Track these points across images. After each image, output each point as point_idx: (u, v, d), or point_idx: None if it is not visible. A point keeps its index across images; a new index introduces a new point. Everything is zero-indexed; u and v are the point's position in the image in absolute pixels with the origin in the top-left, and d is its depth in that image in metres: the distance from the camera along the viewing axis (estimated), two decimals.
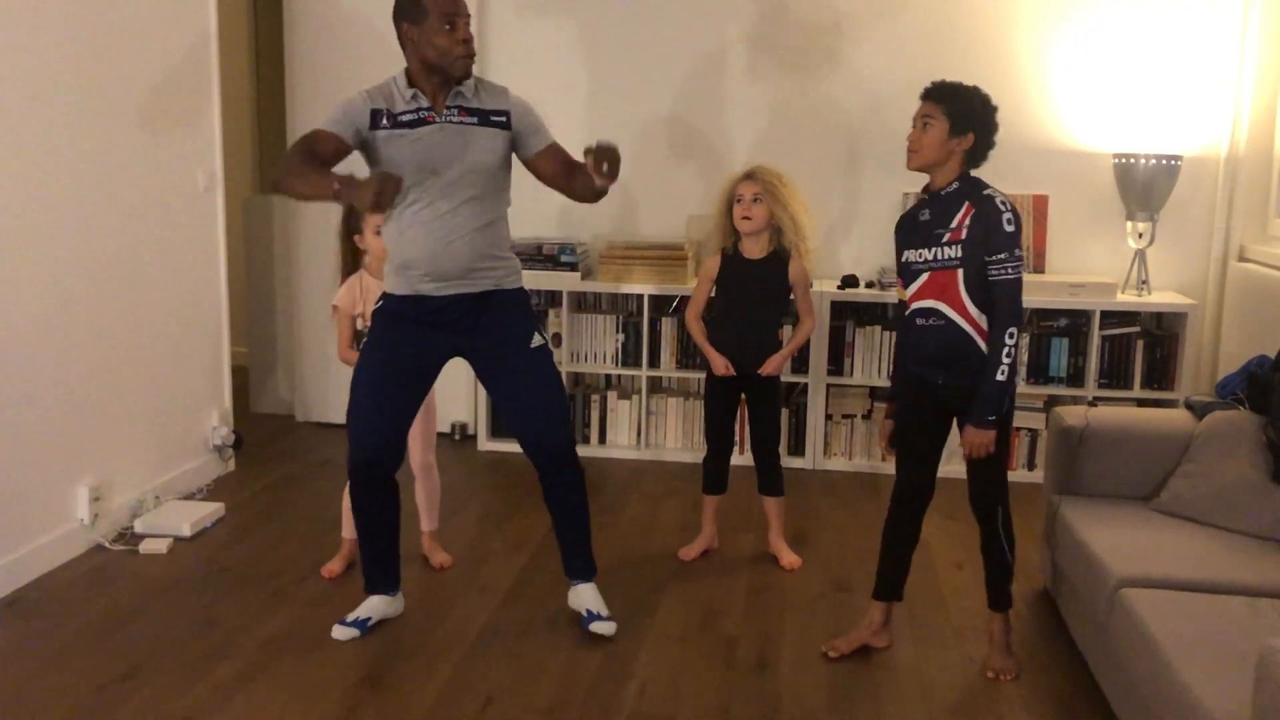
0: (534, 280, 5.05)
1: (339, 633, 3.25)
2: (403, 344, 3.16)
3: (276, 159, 3.20)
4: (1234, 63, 4.81)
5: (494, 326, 3.17)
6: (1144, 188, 4.70)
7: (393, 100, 3.05)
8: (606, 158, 2.92)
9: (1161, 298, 4.80)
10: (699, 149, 5.18)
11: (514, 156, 3.20)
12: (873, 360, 4.94)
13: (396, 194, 2.80)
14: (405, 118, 3.03)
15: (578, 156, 3.13)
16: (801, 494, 4.58)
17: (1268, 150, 4.72)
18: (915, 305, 3.00)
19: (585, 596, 3.33)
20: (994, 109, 2.94)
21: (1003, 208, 2.88)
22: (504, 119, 3.12)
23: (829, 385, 4.95)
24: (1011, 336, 2.86)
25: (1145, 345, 4.77)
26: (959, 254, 2.90)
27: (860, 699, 2.96)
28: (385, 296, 3.19)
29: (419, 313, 3.13)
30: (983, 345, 2.92)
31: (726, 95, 5.14)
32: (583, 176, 3.09)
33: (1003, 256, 2.86)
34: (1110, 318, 4.79)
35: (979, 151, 2.94)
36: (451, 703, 2.89)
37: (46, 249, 3.62)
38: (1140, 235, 4.79)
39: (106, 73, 3.88)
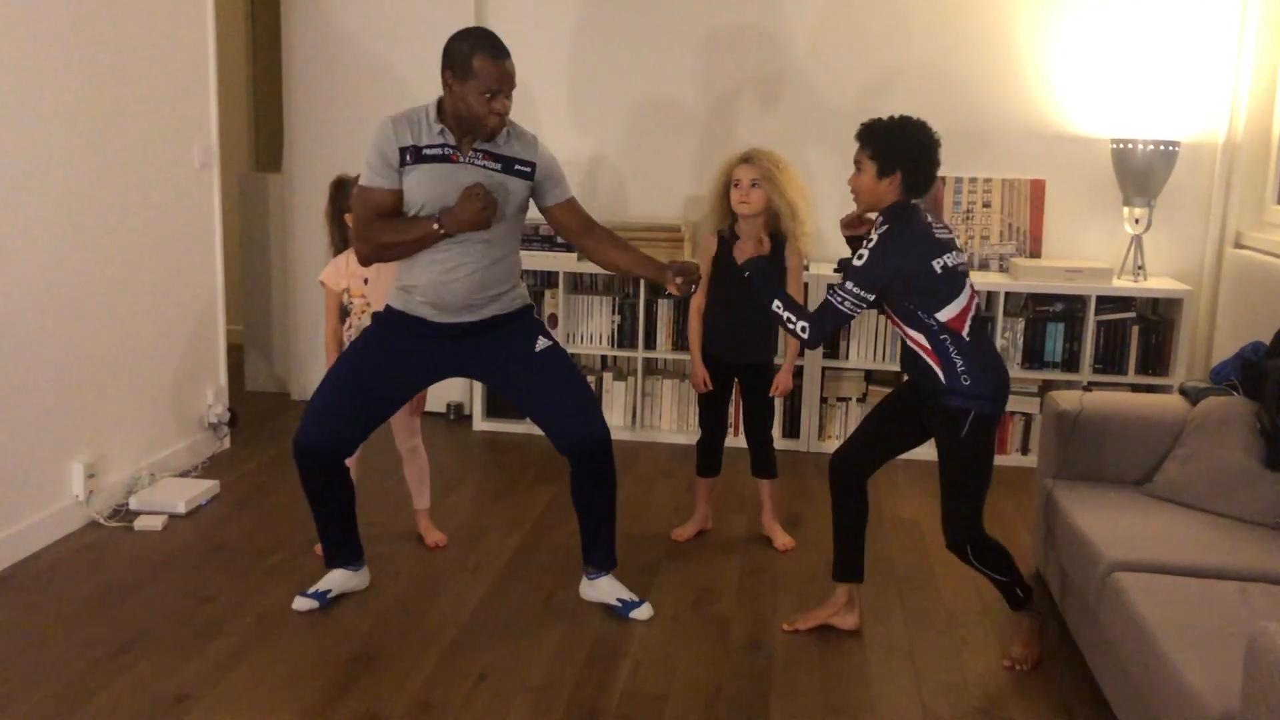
0: (531, 261, 5.04)
1: (299, 603, 3.27)
2: (394, 351, 3.16)
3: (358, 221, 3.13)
4: (1233, 48, 4.80)
5: (494, 343, 3.18)
6: (1141, 173, 4.70)
7: (419, 133, 3.03)
8: (686, 273, 3.11)
9: (1157, 283, 4.81)
10: (696, 130, 5.17)
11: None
12: (868, 344, 4.95)
13: (493, 205, 2.96)
14: (429, 152, 3.02)
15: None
16: (796, 476, 4.59)
17: (1265, 137, 4.72)
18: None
19: (609, 587, 3.33)
20: (922, 144, 2.89)
21: (868, 243, 2.88)
22: (529, 169, 3.14)
23: (824, 368, 4.96)
24: (804, 331, 2.91)
25: (1140, 331, 4.78)
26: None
27: (852, 680, 2.97)
28: (387, 308, 3.20)
29: (418, 328, 3.14)
30: (935, 367, 2.90)
31: (724, 75, 5.13)
32: (604, 244, 3.24)
33: (843, 284, 2.88)
34: (1106, 303, 4.79)
35: (914, 185, 2.92)
36: (445, 680, 2.90)
37: (42, 226, 3.61)
38: (1137, 221, 4.80)
39: (102, 49, 3.86)
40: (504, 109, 3.00)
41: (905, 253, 2.85)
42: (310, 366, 5.48)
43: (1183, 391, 3.56)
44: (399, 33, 5.14)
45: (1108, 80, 4.91)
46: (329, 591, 3.32)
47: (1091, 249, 5.02)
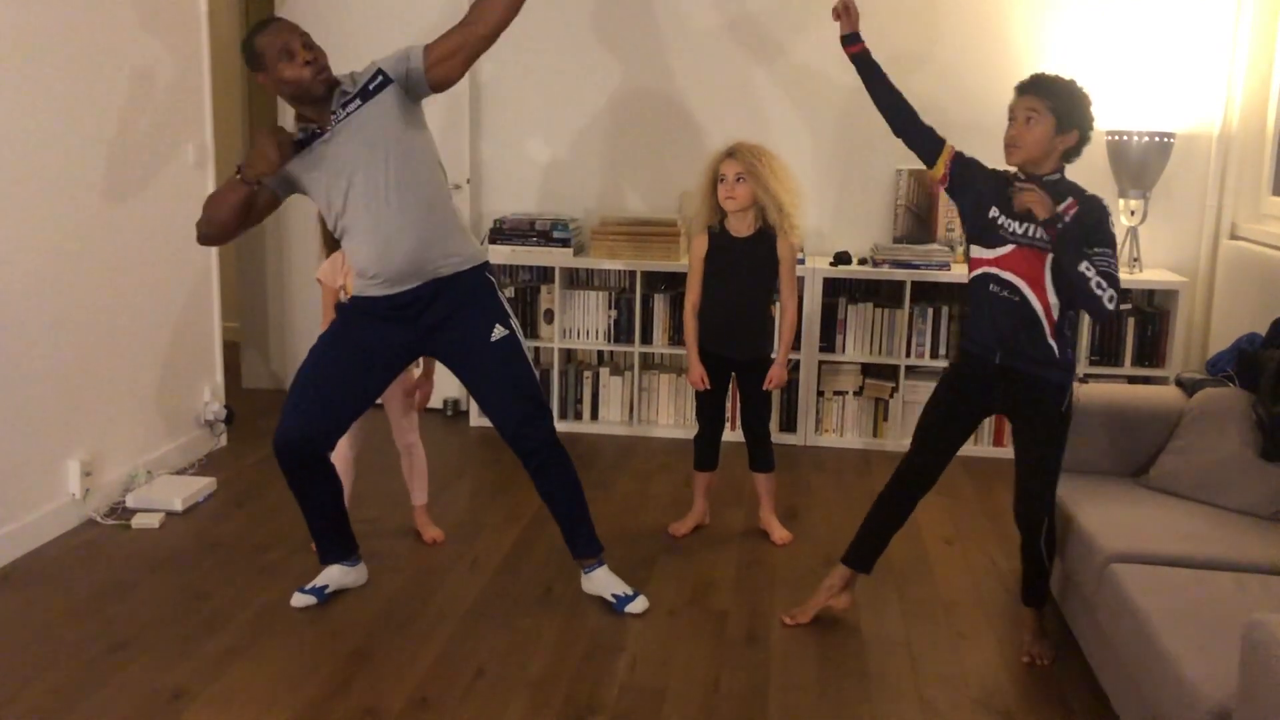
0: (526, 256, 5.05)
1: (297, 600, 3.27)
2: (359, 337, 3.14)
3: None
4: (1227, 40, 4.80)
5: (453, 324, 3.14)
6: (1136, 165, 4.70)
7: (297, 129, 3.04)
8: None
9: (1153, 275, 4.81)
10: (690, 124, 5.16)
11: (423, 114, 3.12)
12: (865, 337, 4.95)
13: (287, 137, 2.90)
14: (312, 135, 3.01)
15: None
16: (793, 470, 4.59)
17: (1260, 128, 4.71)
18: (992, 270, 2.90)
19: (603, 581, 3.32)
20: (1091, 104, 2.86)
21: (1108, 211, 2.84)
22: (379, 78, 3.00)
23: (821, 362, 4.96)
24: (1111, 302, 2.74)
25: (1136, 322, 4.78)
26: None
27: (849, 672, 2.97)
28: (350, 298, 3.20)
29: (378, 308, 3.11)
30: (1049, 337, 2.86)
31: (717, 69, 5.12)
32: (486, 13, 2.98)
33: (1107, 250, 2.78)
34: None
35: (1077, 149, 2.87)
36: (443, 675, 2.90)
37: (37, 225, 3.60)
38: (1132, 213, 4.80)
39: (97, 47, 3.85)
40: (311, 57, 2.93)
41: None
42: None
43: (1179, 383, 3.57)
44: (392, 30, 5.12)
45: (1102, 72, 4.90)
46: (326, 587, 3.32)
47: None
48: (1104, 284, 2.74)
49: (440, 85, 3.03)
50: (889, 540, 3.21)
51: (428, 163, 3.09)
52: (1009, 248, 2.88)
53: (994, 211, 2.92)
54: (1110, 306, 2.76)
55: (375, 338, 3.14)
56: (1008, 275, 2.88)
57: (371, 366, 3.17)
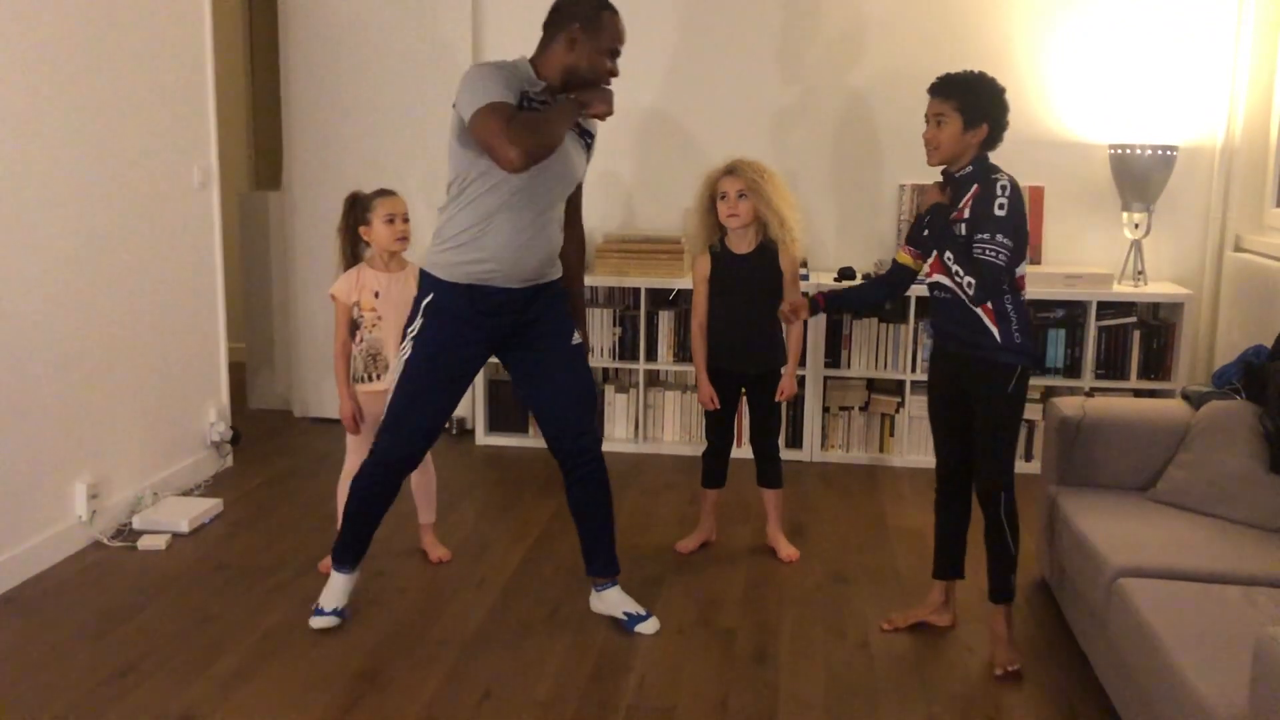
0: None
1: (320, 622, 3.26)
2: (454, 343, 3.09)
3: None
4: (1229, 52, 4.81)
5: (539, 321, 3.16)
6: (1140, 178, 4.70)
7: (523, 81, 2.97)
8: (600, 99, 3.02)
9: (1158, 288, 4.81)
10: (692, 141, 5.18)
11: None
12: (870, 352, 4.95)
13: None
14: (537, 104, 2.98)
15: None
16: (799, 486, 4.59)
17: (1263, 140, 4.72)
18: (932, 279, 3.07)
19: (615, 600, 3.32)
20: (1002, 92, 2.96)
21: (999, 192, 2.88)
22: (591, 140, 3.17)
23: (826, 377, 4.96)
24: (970, 288, 2.90)
25: (1142, 336, 4.78)
26: (961, 233, 2.93)
27: (858, 690, 2.96)
28: (436, 287, 3.05)
29: (473, 304, 3.05)
30: (988, 322, 2.95)
31: (719, 86, 5.14)
32: (569, 243, 3.25)
33: (985, 236, 2.87)
34: (1107, 308, 4.79)
35: (994, 137, 2.97)
36: (450, 696, 2.90)
37: (43, 246, 3.61)
38: (1136, 226, 4.80)
39: (102, 69, 3.87)
40: (617, 73, 3.03)
41: (1022, 201, 2.92)
42: (312, 384, 5.49)
43: (1185, 396, 3.56)
44: (397, 51, 5.15)
45: (1105, 86, 4.92)
46: (346, 607, 3.30)
47: (1091, 255, 5.02)
48: (961, 271, 2.90)
49: None
50: (963, 541, 3.27)
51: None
52: (933, 255, 3.06)
53: (926, 230, 3.09)
54: (970, 293, 2.90)
55: (467, 341, 3.10)
56: (937, 277, 3.05)
57: (465, 372, 3.16)
